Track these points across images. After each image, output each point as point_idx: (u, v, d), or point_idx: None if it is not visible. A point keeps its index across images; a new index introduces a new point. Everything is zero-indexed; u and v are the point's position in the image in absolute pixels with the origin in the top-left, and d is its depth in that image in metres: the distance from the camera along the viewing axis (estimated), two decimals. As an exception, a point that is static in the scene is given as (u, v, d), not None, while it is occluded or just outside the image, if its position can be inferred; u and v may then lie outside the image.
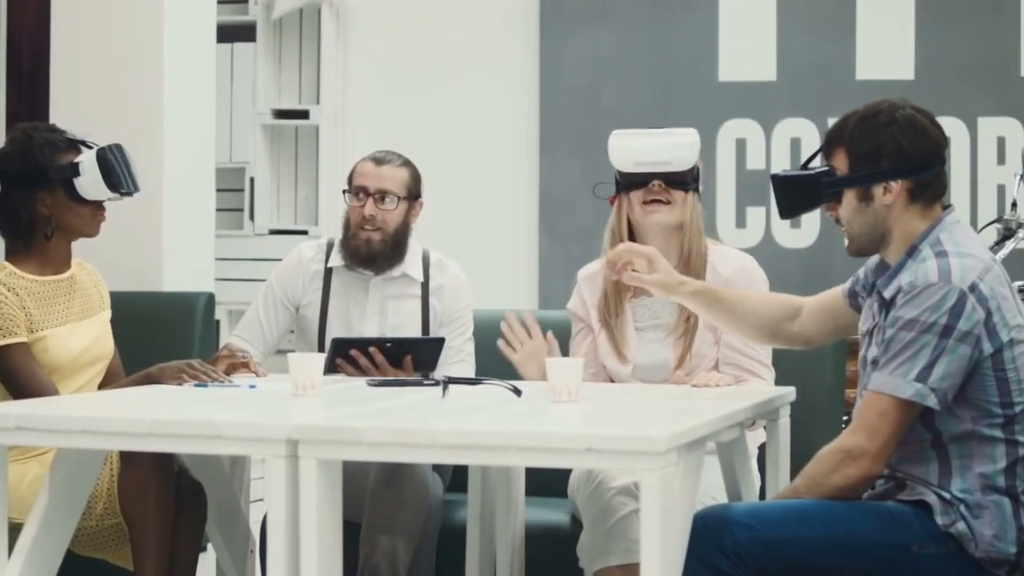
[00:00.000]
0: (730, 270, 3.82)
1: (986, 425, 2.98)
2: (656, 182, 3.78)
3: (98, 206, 3.71)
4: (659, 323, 3.83)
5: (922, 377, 2.91)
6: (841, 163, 3.10)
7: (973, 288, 2.94)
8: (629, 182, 3.81)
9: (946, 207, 3.12)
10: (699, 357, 3.74)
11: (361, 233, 4.04)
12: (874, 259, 3.20)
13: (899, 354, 2.94)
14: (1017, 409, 2.97)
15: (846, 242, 3.16)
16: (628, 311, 3.84)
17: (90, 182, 3.64)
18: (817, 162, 3.20)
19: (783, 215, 3.26)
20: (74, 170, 3.64)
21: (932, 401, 2.92)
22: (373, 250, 4.04)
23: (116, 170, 3.66)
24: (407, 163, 4.11)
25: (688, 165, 3.77)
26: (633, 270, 3.46)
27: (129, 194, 3.72)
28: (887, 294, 3.03)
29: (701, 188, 3.89)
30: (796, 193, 3.17)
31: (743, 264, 3.86)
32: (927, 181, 3.08)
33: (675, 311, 3.80)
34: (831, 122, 3.42)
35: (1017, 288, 4.87)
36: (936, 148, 3.11)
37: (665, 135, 3.82)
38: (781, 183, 3.20)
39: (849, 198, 3.10)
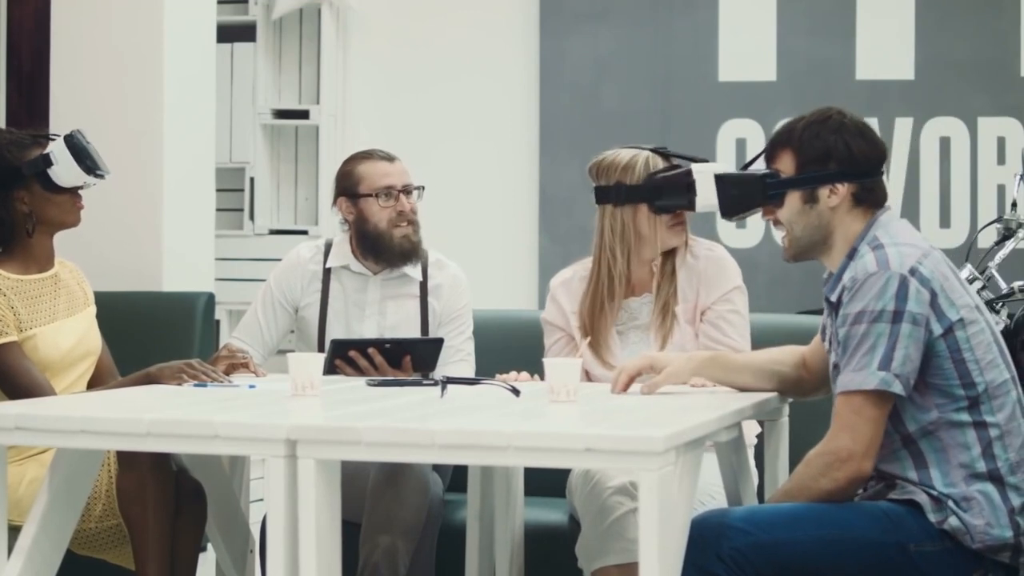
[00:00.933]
0: (701, 262, 3.83)
1: (953, 411, 3.00)
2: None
3: (75, 194, 3.72)
4: (639, 324, 3.83)
5: (884, 365, 2.94)
6: (787, 165, 3.15)
7: (913, 272, 2.98)
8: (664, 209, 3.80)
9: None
10: (681, 351, 3.74)
11: (397, 231, 4.04)
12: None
13: (857, 349, 2.97)
14: (980, 389, 3.00)
15: (784, 247, 3.22)
16: (609, 314, 3.83)
17: (64, 169, 3.66)
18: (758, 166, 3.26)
19: (724, 215, 3.33)
20: (46, 161, 3.66)
21: (898, 387, 2.94)
22: (414, 243, 4.07)
23: (88, 153, 3.68)
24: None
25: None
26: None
27: (102, 177, 3.73)
28: (833, 297, 3.09)
29: None
30: (739, 193, 3.23)
31: (712, 255, 3.85)
32: (869, 187, 3.14)
33: (652, 309, 3.80)
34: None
35: (1019, 287, 4.94)
36: (881, 155, 3.18)
37: (708, 168, 3.73)
38: (724, 182, 3.27)
39: (793, 200, 3.15)
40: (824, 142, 3.12)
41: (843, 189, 3.12)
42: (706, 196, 3.61)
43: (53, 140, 3.71)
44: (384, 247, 4.05)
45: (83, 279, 3.89)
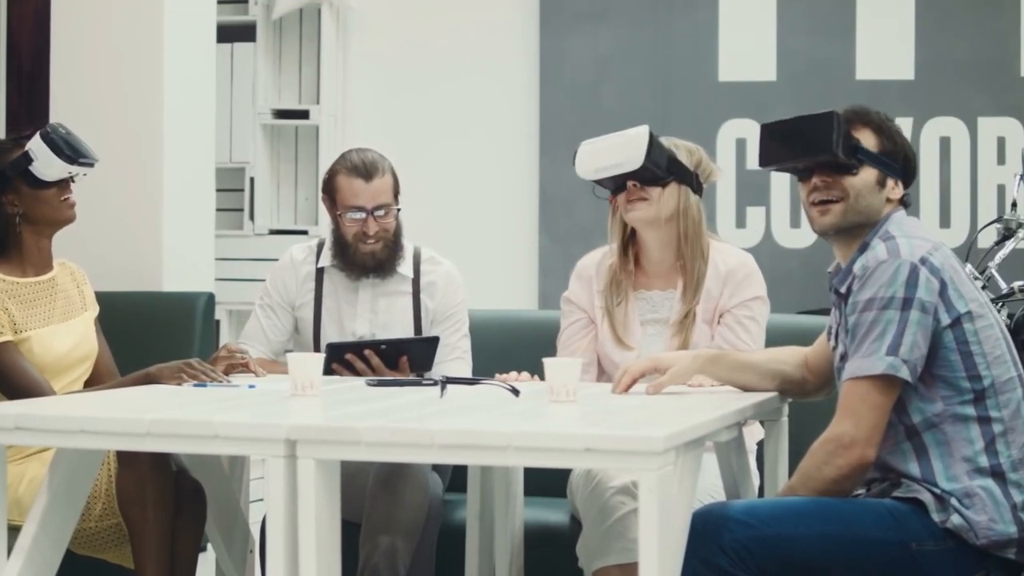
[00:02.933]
0: (729, 267, 3.82)
1: (958, 403, 3.00)
2: (631, 183, 3.78)
3: (63, 188, 3.71)
4: (658, 317, 3.83)
5: (892, 351, 2.95)
6: (869, 141, 3.14)
7: (924, 261, 2.99)
8: (613, 187, 3.81)
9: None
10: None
11: (363, 247, 4.04)
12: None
13: (866, 336, 2.97)
14: (986, 383, 3.00)
15: (828, 211, 3.12)
16: (633, 301, 3.84)
17: (45, 163, 3.66)
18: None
19: (789, 158, 3.17)
20: (26, 159, 3.66)
21: (905, 372, 2.94)
22: (379, 260, 4.05)
23: (65, 143, 3.67)
24: (388, 165, 4.07)
25: (637, 163, 3.71)
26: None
27: (89, 165, 3.73)
28: (843, 289, 3.10)
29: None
30: (826, 134, 3.08)
31: (743, 260, 3.86)
32: (909, 196, 3.19)
33: (674, 306, 3.81)
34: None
35: (1019, 287, 4.95)
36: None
37: (613, 137, 3.77)
38: (815, 121, 3.11)
39: (869, 174, 3.14)
40: (899, 139, 3.16)
41: (900, 187, 3.16)
42: (579, 164, 3.76)
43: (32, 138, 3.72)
44: (350, 258, 4.06)
45: (84, 282, 3.88)
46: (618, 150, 3.74)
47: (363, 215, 4.01)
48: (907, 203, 3.20)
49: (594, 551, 3.48)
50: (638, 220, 3.79)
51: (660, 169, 3.74)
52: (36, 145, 3.66)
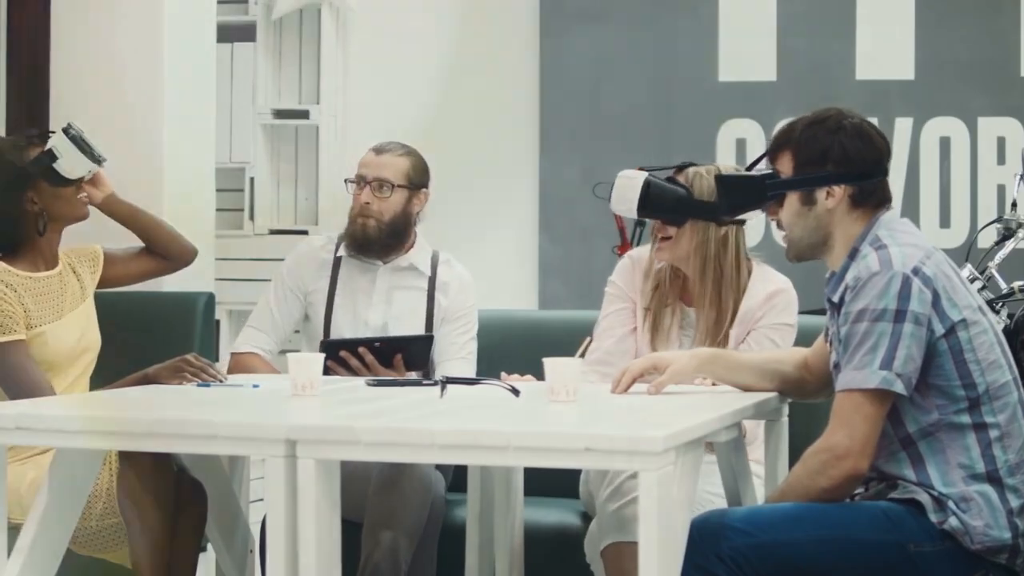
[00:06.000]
0: (769, 291, 3.84)
1: (953, 412, 3.00)
2: (654, 222, 3.80)
3: (78, 187, 3.75)
4: (691, 334, 3.87)
5: (886, 365, 2.94)
6: (786, 166, 3.16)
7: (916, 271, 2.98)
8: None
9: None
10: None
11: (358, 220, 4.10)
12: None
13: (858, 347, 2.96)
14: (980, 390, 3.00)
15: (786, 247, 3.22)
16: (677, 310, 3.87)
17: (70, 161, 3.69)
18: (763, 166, 3.27)
19: (725, 215, 3.37)
20: (50, 156, 3.67)
21: (899, 387, 2.93)
22: (368, 236, 4.09)
23: (87, 141, 3.70)
24: (410, 153, 4.16)
25: (633, 213, 3.74)
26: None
27: (102, 163, 3.77)
28: (835, 297, 3.09)
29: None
30: (739, 194, 3.24)
31: (784, 287, 3.87)
32: (869, 188, 3.13)
33: (707, 322, 3.83)
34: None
35: (1019, 287, 4.95)
36: (880, 157, 3.16)
37: (620, 177, 3.76)
38: (724, 183, 3.29)
39: (792, 201, 3.16)
40: (820, 143, 3.12)
41: (839, 191, 3.12)
42: (621, 200, 3.71)
43: (48, 136, 3.73)
44: (347, 232, 4.14)
45: (78, 262, 3.87)
46: (623, 194, 3.74)
47: (364, 185, 4.06)
48: (861, 201, 3.11)
49: (607, 528, 3.49)
50: (663, 260, 3.81)
51: (664, 213, 3.74)
52: (60, 143, 3.68)
